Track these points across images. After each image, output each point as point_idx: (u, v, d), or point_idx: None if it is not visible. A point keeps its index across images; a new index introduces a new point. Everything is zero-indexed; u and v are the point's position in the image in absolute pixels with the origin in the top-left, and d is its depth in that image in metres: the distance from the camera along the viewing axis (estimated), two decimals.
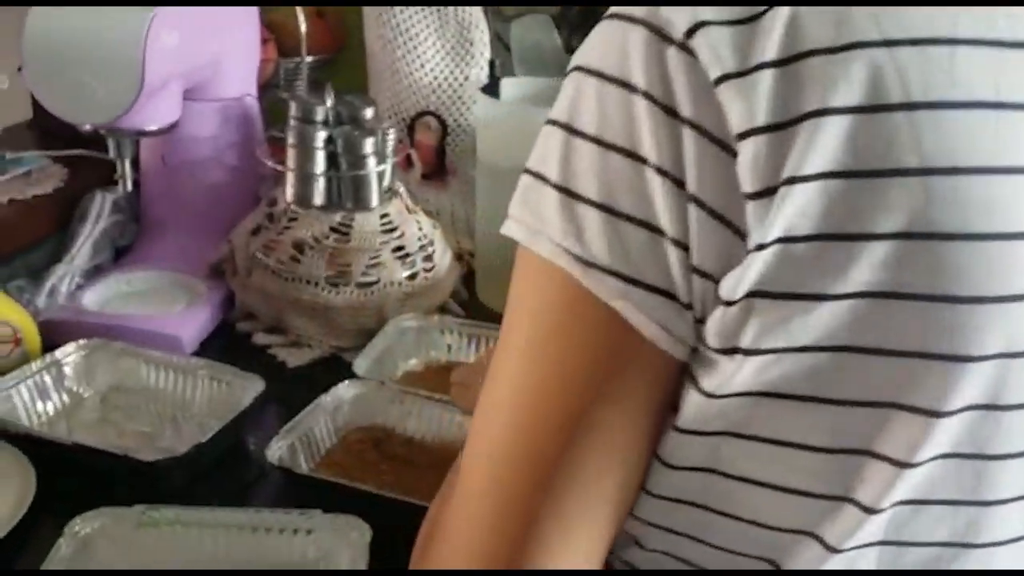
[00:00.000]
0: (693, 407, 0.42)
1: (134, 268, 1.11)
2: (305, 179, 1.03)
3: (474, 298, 1.18)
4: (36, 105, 1.26)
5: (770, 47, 0.38)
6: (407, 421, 0.88)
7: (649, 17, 0.40)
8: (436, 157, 1.27)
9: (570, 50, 1.25)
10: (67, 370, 0.90)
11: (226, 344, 1.04)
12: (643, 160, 0.40)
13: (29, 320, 0.92)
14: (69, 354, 0.91)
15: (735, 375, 0.40)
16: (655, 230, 0.40)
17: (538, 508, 0.42)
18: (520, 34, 1.26)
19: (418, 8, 1.21)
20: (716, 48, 0.38)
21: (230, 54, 1.11)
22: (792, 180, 0.37)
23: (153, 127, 0.96)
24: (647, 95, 0.39)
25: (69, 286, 1.05)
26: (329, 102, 1.04)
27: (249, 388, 0.86)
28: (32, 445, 0.80)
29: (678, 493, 0.44)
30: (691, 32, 0.38)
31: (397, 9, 1.21)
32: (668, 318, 0.40)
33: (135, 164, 1.03)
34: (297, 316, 1.03)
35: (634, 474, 0.44)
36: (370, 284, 1.03)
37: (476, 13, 1.23)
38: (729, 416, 0.41)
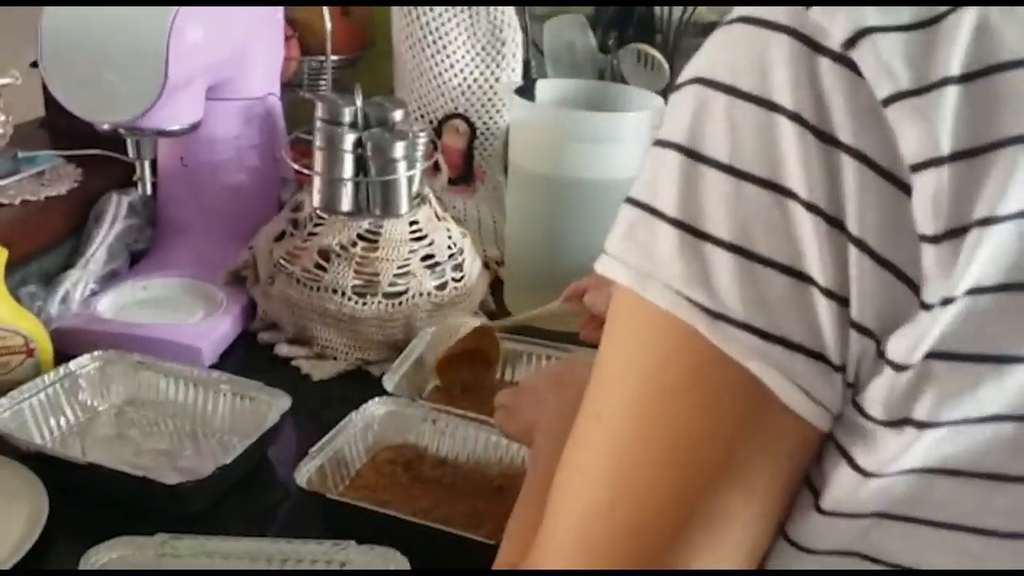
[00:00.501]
0: (844, 487, 0.35)
1: (150, 274, 1.06)
2: (332, 184, 0.98)
3: (502, 308, 1.13)
4: (49, 102, 1.22)
5: (955, 58, 0.32)
6: (440, 441, 0.83)
7: (795, 22, 0.33)
8: (464, 161, 1.22)
9: (604, 50, 1.20)
10: (81, 383, 0.86)
11: (247, 356, 1.00)
12: (789, 193, 0.33)
13: (42, 329, 0.87)
14: (84, 366, 0.86)
15: (904, 451, 0.34)
16: (801, 277, 0.33)
17: None
18: (553, 34, 1.22)
19: (449, 7, 1.16)
20: (885, 60, 0.32)
21: (254, 50, 1.06)
22: (987, 221, 0.31)
23: (175, 127, 0.91)
24: (795, 117, 0.33)
25: (83, 292, 1.00)
26: (358, 103, 0.99)
27: (275, 404, 0.81)
28: (44, 464, 0.75)
29: None
30: (852, 41, 0.32)
31: (427, 8, 1.17)
32: (813, 382, 0.34)
33: (153, 166, 0.99)
34: (322, 327, 0.98)
35: (751, 564, 0.38)
36: (398, 294, 0.98)
37: (509, 13, 1.18)
38: (889, 496, 0.35)
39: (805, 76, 0.33)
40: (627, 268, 0.36)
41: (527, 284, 1.11)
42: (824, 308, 0.33)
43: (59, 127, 1.22)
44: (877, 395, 0.34)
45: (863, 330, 0.33)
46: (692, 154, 0.35)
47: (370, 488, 0.78)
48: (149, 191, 0.95)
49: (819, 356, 0.34)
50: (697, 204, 0.35)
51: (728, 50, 0.35)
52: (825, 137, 0.33)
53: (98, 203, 1.08)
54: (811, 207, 0.33)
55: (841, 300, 0.33)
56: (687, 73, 0.37)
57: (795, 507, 0.37)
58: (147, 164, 0.92)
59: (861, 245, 0.33)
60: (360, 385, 0.96)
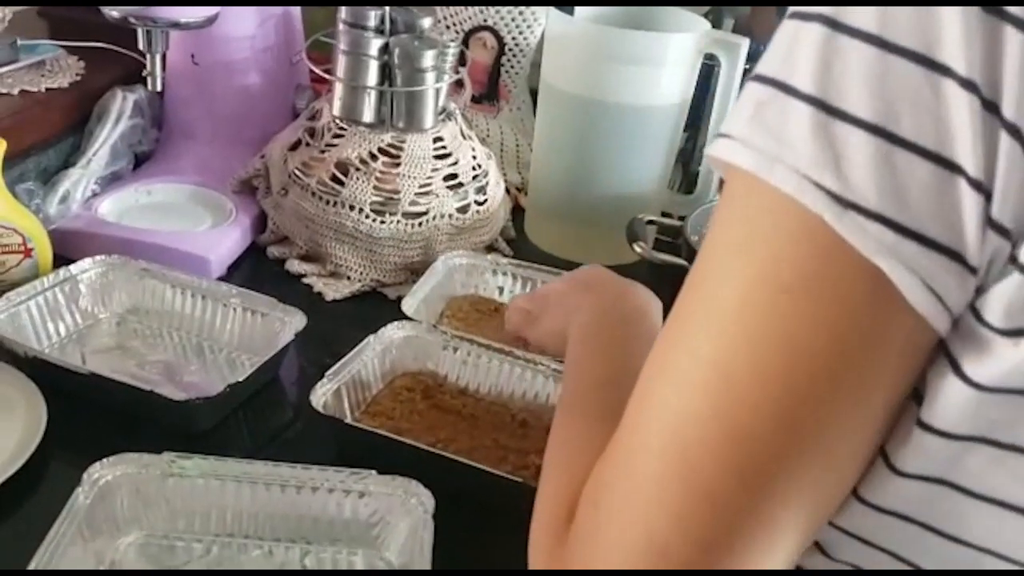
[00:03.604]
0: (949, 399, 0.32)
1: (155, 178, 1.00)
2: (355, 92, 0.92)
3: (522, 237, 1.08)
4: None
5: None
6: (461, 370, 0.79)
7: None
8: (489, 78, 1.16)
9: None
10: (82, 288, 0.81)
11: (256, 270, 0.95)
12: (944, 69, 0.29)
13: (41, 229, 0.82)
14: (85, 270, 0.81)
15: (1019, 366, 0.30)
16: (948, 165, 0.30)
17: (738, 505, 0.32)
18: None
19: None
20: None
21: None
22: None
23: (190, 19, 0.84)
24: None
25: (84, 193, 0.94)
26: (385, 7, 0.92)
27: (288, 322, 0.77)
28: (42, 372, 0.70)
29: (896, 504, 0.35)
30: None
31: None
32: (947, 285, 0.30)
33: (163, 62, 0.92)
34: (336, 244, 0.92)
35: (855, 475, 0.35)
36: (418, 215, 0.93)
37: None
38: (991, 416, 0.32)
39: None
40: (751, 151, 0.32)
41: (550, 213, 1.06)
42: (970, 201, 0.29)
43: (59, 15, 1.14)
44: (1000, 301, 0.30)
45: (1000, 229, 0.30)
46: (834, 24, 0.31)
47: (387, 415, 0.74)
48: (159, 87, 0.88)
49: (956, 256, 0.30)
50: (835, 79, 0.31)
51: None
52: (990, 8, 0.29)
53: (101, 99, 1.01)
54: (968, 84, 0.29)
55: (987, 194, 0.29)
56: None
57: (897, 420, 0.34)
58: (159, 58, 0.86)
59: (1015, 132, 0.29)
60: (374, 307, 0.91)
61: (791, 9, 0.33)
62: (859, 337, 0.31)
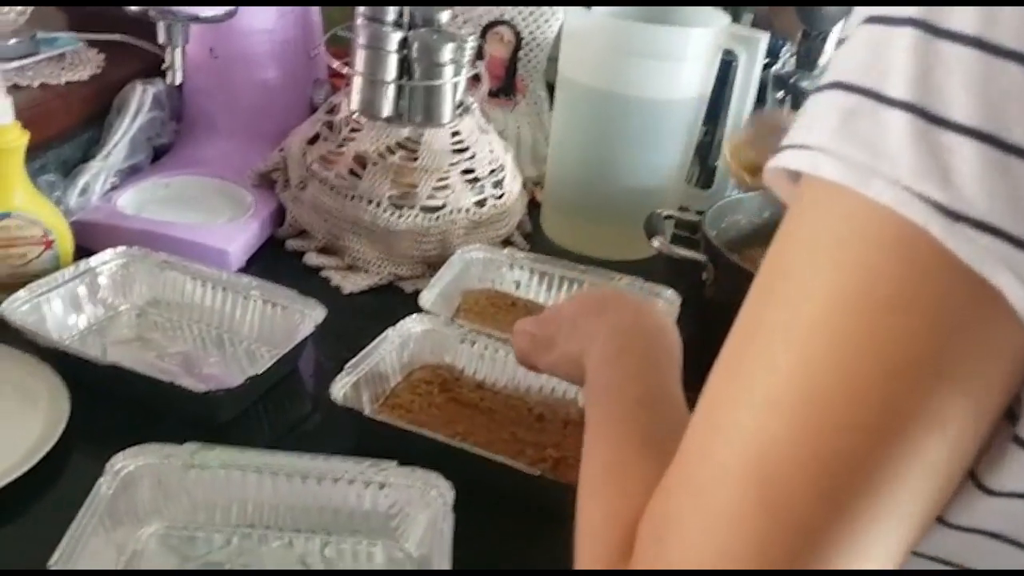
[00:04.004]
0: None
1: (174, 171, 1.01)
2: (373, 86, 0.92)
3: (538, 231, 1.08)
4: None
5: None
6: (478, 364, 0.79)
7: None
8: (506, 72, 1.15)
9: None
10: (102, 280, 0.81)
11: (274, 262, 0.95)
12: None
13: (62, 221, 0.82)
14: (106, 262, 0.81)
15: None
16: None
17: (830, 535, 0.31)
18: None
19: None
20: None
21: None
22: None
23: (210, 13, 0.85)
24: None
25: (103, 186, 0.95)
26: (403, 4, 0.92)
27: (308, 315, 0.77)
28: (64, 363, 0.71)
29: (984, 523, 0.35)
30: None
31: None
32: None
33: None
34: (354, 237, 0.93)
35: (947, 496, 0.33)
36: (436, 208, 0.93)
37: None
38: None
39: None
40: (841, 162, 0.31)
41: (567, 207, 1.06)
42: None
43: (79, 9, 1.15)
44: None
45: None
46: (931, 28, 0.30)
47: (405, 408, 0.74)
48: (179, 80, 0.88)
49: None
50: (937, 85, 0.29)
51: None
52: None
53: (121, 92, 1.02)
54: None
55: None
56: None
57: (990, 439, 0.33)
58: (179, 52, 0.86)
59: None
60: (391, 301, 0.92)
61: (867, 12, 0.32)
62: (960, 352, 0.30)
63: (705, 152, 1.14)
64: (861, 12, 0.33)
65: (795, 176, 0.34)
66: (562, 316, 0.65)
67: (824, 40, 1.09)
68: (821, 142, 0.32)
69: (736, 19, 1.16)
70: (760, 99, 1.08)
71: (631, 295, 0.65)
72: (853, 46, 0.32)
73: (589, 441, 0.49)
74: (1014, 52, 0.28)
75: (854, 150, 0.31)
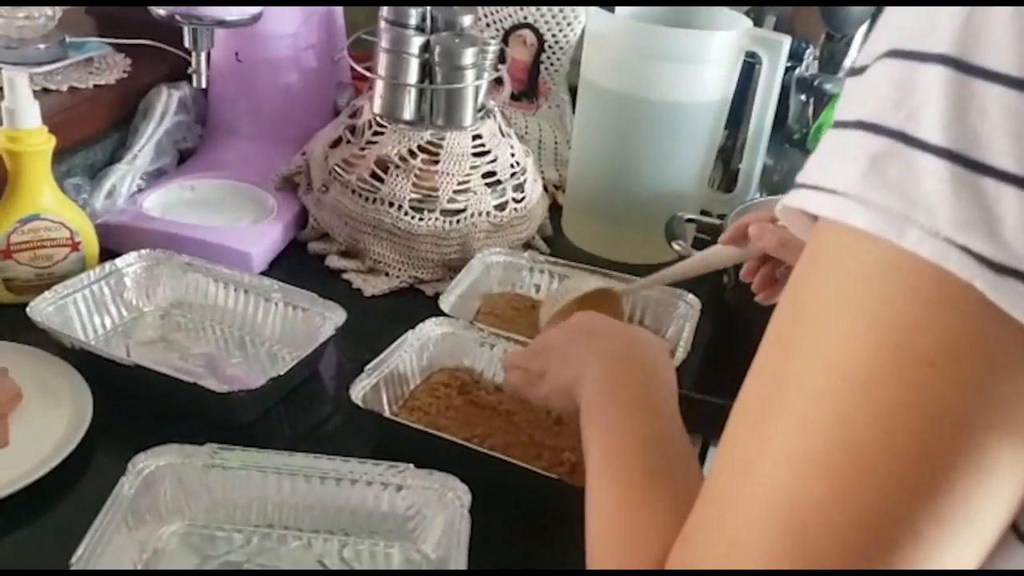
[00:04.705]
0: None
1: (198, 174, 1.02)
2: (395, 89, 0.93)
3: (559, 234, 1.08)
4: None
5: None
6: (497, 367, 0.79)
7: None
8: (528, 76, 1.16)
9: None
10: (127, 281, 0.82)
11: (296, 265, 0.96)
12: None
13: (88, 223, 0.84)
14: (131, 264, 0.82)
15: None
16: None
17: None
18: None
19: None
20: None
21: None
22: None
23: (235, 17, 0.85)
24: None
25: (129, 188, 0.96)
26: (426, 6, 0.93)
27: (329, 317, 0.78)
28: (88, 363, 0.72)
29: None
30: None
31: None
32: None
33: (207, 59, 0.93)
34: (375, 240, 0.93)
35: (987, 548, 0.32)
36: (456, 212, 0.93)
37: None
38: None
39: None
40: (871, 211, 0.30)
41: (588, 210, 1.05)
42: None
43: (107, 14, 1.16)
44: None
45: None
46: (963, 66, 0.28)
47: (423, 410, 0.75)
48: (204, 84, 0.89)
49: None
50: (974, 128, 0.28)
51: None
52: None
53: (147, 96, 1.03)
54: None
55: None
56: None
57: None
58: (204, 56, 0.87)
59: None
60: (412, 303, 0.92)
61: (889, 44, 0.31)
62: (1004, 404, 0.29)
63: (727, 155, 1.14)
64: (881, 42, 0.31)
65: (812, 214, 0.32)
66: (552, 346, 0.65)
67: (848, 43, 1.08)
68: (848, 187, 0.30)
69: (758, 23, 1.16)
70: (783, 102, 1.07)
71: (616, 322, 0.65)
72: (875, 81, 0.31)
73: (595, 478, 0.48)
74: None
75: (885, 197, 0.29)
